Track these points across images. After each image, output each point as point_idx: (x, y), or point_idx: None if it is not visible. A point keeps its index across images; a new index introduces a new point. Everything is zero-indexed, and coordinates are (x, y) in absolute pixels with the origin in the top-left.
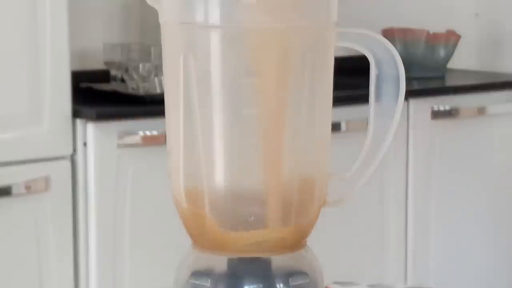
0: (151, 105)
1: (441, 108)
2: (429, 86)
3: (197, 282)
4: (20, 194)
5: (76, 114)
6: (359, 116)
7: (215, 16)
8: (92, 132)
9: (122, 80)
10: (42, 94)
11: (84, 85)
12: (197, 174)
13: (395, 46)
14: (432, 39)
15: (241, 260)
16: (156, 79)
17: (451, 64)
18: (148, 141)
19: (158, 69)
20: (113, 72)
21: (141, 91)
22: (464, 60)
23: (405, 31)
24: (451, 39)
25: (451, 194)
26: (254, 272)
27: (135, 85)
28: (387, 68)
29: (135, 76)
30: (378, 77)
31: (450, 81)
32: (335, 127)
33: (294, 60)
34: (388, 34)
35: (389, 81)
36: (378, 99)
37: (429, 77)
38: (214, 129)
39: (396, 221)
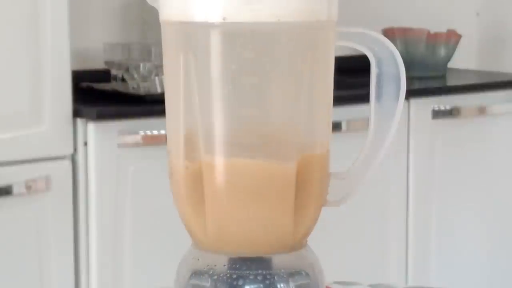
0: (151, 105)
1: (442, 108)
2: (429, 85)
3: (198, 282)
4: (20, 194)
5: (76, 113)
6: (360, 115)
7: (215, 15)
8: (93, 131)
9: (123, 80)
10: (42, 94)
11: (84, 84)
12: (198, 175)
13: (395, 45)
14: (433, 39)
15: (242, 259)
16: (156, 79)
17: (451, 64)
18: (149, 141)
19: (158, 69)
20: (113, 72)
21: (142, 91)
22: (464, 59)
23: (405, 31)
24: (452, 38)
25: (452, 194)
26: (255, 272)
27: (136, 85)
28: (388, 67)
29: (135, 75)
30: (378, 77)
31: (451, 81)
32: (336, 126)
33: (294, 59)
34: (389, 33)
35: (390, 81)
36: (379, 99)
37: (430, 77)
38: (215, 129)
39: (397, 220)
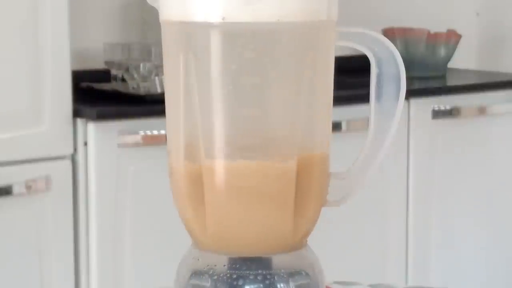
0: (151, 105)
1: (442, 108)
2: (429, 85)
3: (198, 282)
4: (20, 194)
5: (76, 113)
6: (360, 115)
7: (215, 15)
8: (93, 131)
9: (123, 80)
10: (42, 94)
11: (84, 84)
12: (198, 175)
13: (395, 45)
14: (433, 39)
15: (242, 259)
16: (156, 79)
17: (451, 64)
18: (149, 141)
19: (158, 69)
20: (113, 72)
21: (142, 91)
22: (464, 59)
23: (405, 31)
24: (452, 38)
25: (452, 194)
26: (255, 272)
27: (136, 85)
28: (388, 67)
29: (135, 75)
30: (378, 77)
31: (451, 81)
32: (336, 126)
33: (295, 59)
34: (389, 33)
35: (390, 80)
36: (379, 99)
37: (430, 77)
38: (215, 129)
39: (397, 220)
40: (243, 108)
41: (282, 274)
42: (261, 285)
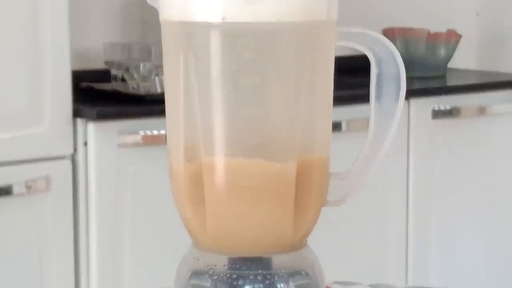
0: (151, 105)
1: (442, 108)
2: (429, 85)
3: (198, 282)
4: (20, 194)
5: (76, 113)
6: (360, 115)
7: (215, 15)
8: (93, 131)
9: (123, 80)
10: (42, 94)
11: (84, 84)
12: (198, 175)
13: (395, 45)
14: (433, 39)
15: (242, 259)
16: (156, 79)
17: (451, 64)
18: (149, 141)
19: (158, 69)
20: (113, 72)
21: (142, 91)
22: (464, 59)
23: (405, 31)
24: (452, 38)
25: (452, 194)
26: (255, 272)
27: (136, 85)
28: (388, 67)
29: (135, 75)
30: (378, 77)
31: (451, 81)
32: (336, 126)
33: (294, 60)
34: (389, 33)
35: (390, 81)
36: (379, 99)
37: (430, 77)
38: (215, 129)
39: (397, 220)
40: (243, 108)
41: (282, 274)
42: (261, 285)
